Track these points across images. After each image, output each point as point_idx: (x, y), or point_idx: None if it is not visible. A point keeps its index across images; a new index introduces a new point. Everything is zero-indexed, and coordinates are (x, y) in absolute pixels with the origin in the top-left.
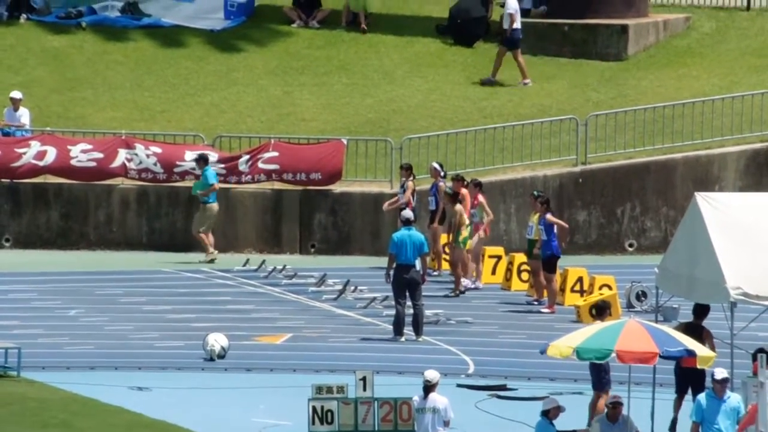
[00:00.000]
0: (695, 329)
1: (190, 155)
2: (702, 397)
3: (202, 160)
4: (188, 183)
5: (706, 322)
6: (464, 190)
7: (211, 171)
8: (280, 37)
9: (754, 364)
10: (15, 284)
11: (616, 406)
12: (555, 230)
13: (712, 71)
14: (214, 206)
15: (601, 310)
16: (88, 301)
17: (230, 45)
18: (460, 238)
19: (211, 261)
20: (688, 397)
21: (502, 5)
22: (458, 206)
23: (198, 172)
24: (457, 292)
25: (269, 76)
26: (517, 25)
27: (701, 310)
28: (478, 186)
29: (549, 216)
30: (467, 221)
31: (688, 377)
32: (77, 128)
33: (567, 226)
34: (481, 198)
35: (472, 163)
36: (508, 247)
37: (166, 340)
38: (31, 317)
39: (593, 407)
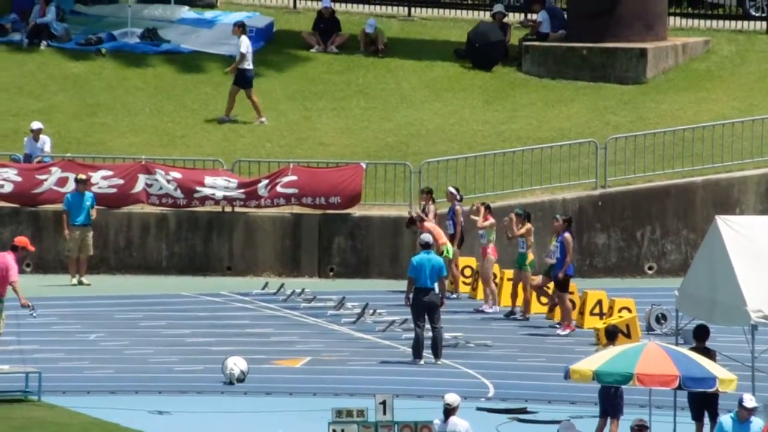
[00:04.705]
0: (700, 353)
1: (209, 180)
2: (725, 419)
3: (83, 183)
4: (208, 208)
5: (723, 345)
6: (492, 219)
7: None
8: (298, 62)
9: None
10: (36, 309)
11: (642, 429)
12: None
13: (732, 94)
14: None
15: (612, 335)
16: (108, 325)
17: None
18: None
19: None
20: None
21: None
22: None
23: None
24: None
25: (288, 101)
26: (249, 65)
27: (701, 333)
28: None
29: (567, 235)
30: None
31: (702, 402)
32: (97, 154)
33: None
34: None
35: (491, 186)
36: None
37: (185, 363)
38: (51, 341)
39: None
